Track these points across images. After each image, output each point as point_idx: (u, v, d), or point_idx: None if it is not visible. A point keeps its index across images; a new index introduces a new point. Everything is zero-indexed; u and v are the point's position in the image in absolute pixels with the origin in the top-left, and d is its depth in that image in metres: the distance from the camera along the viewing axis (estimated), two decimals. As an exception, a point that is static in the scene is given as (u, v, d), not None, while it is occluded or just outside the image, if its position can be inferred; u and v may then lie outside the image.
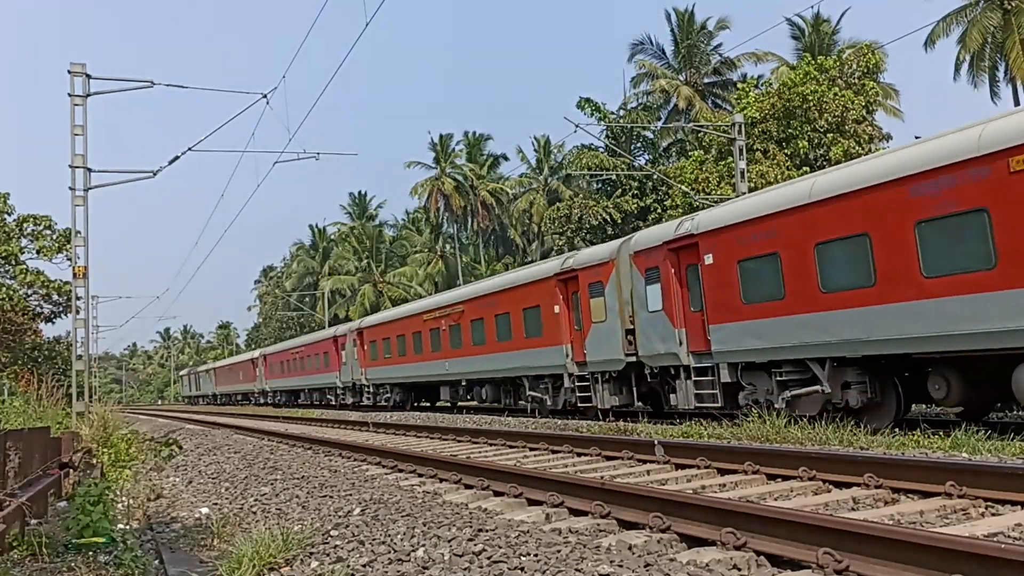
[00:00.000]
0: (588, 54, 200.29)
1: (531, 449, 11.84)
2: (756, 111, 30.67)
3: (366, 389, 32.98)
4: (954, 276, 9.99)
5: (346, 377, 35.17)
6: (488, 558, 4.82)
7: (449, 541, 5.30)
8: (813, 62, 31.60)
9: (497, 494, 7.60)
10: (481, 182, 60.32)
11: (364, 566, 4.87)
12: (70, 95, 17.59)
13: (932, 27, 37.62)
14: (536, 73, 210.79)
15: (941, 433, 10.02)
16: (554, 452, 11.15)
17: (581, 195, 41.55)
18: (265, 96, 19.29)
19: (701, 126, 32.48)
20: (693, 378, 14.53)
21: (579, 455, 10.51)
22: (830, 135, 29.74)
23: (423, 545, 5.24)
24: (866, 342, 11.20)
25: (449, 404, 29.56)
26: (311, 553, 5.33)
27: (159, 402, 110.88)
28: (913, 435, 10.23)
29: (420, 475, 9.55)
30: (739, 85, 36.71)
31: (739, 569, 4.53)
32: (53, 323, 38.87)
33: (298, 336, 58.32)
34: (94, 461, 11.24)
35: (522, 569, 4.54)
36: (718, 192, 28.93)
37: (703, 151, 34.06)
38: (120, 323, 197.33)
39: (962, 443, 9.04)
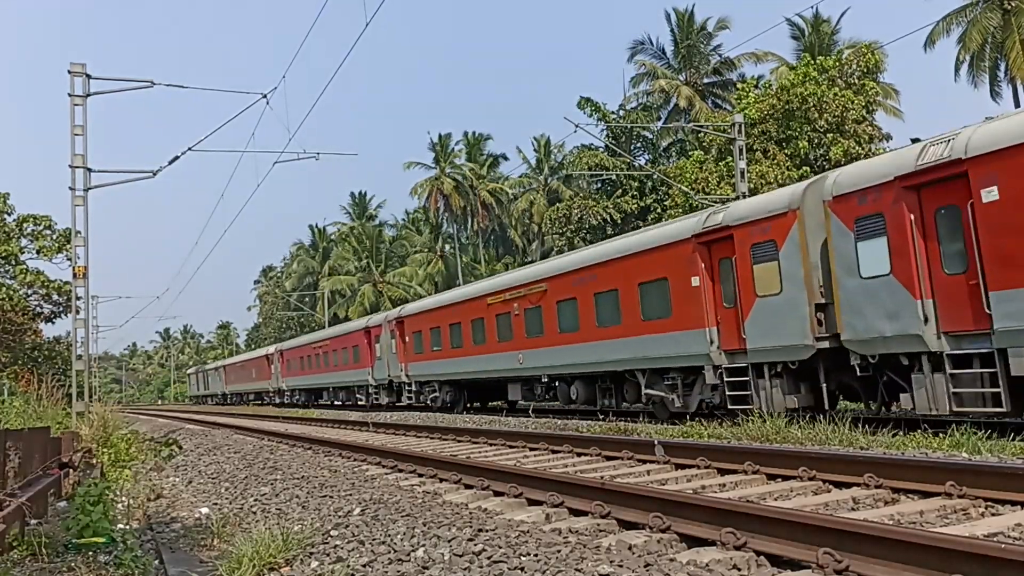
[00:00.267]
0: (588, 54, 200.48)
1: (531, 449, 11.84)
2: (756, 112, 30.68)
3: (406, 387, 28.92)
4: None
5: (381, 374, 31.19)
6: (488, 558, 4.82)
7: (449, 541, 5.30)
8: (813, 62, 31.60)
9: (497, 494, 7.60)
10: (481, 182, 60.32)
11: (364, 566, 4.87)
12: (70, 95, 17.58)
13: (932, 27, 37.65)
14: (536, 73, 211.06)
15: (941, 433, 10.02)
16: (554, 452, 11.15)
17: (581, 195, 41.57)
18: (265, 96, 19.29)
19: (701, 126, 32.48)
20: (949, 370, 10.41)
21: (579, 455, 10.51)
22: (830, 135, 29.74)
23: (423, 545, 5.24)
24: None
25: (515, 405, 25.16)
26: (311, 553, 5.33)
27: (159, 402, 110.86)
28: (913, 435, 10.23)
29: (420, 475, 9.55)
30: (739, 85, 36.73)
31: (739, 569, 4.53)
32: (53, 323, 38.97)
33: (299, 336, 57.32)
34: (94, 461, 11.24)
35: (522, 569, 4.54)
36: (718, 192, 28.93)
37: (703, 151, 34.06)
38: (120, 323, 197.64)
39: (962, 443, 9.04)
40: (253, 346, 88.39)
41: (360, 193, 77.87)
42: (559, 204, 42.92)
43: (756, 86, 34.84)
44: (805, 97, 29.52)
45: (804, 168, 29.12)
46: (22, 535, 5.73)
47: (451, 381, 25.63)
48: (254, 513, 7.36)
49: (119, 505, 7.77)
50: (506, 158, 64.17)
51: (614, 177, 39.01)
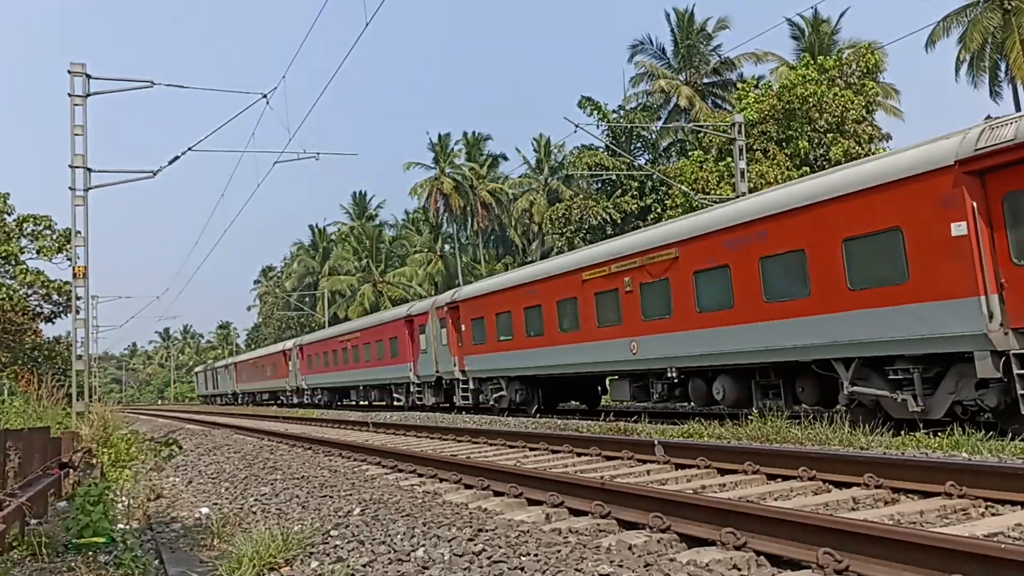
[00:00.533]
0: (588, 54, 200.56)
1: (531, 449, 11.84)
2: (756, 112, 30.70)
3: (460, 385, 24.44)
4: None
5: (426, 369, 26.87)
6: (488, 558, 4.82)
7: (449, 541, 5.30)
8: (813, 63, 31.63)
9: (497, 494, 7.60)
10: (481, 182, 60.35)
11: (364, 566, 4.87)
12: (70, 95, 17.59)
13: (932, 28, 37.69)
14: (536, 73, 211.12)
15: (941, 433, 10.02)
16: (554, 452, 11.15)
17: (581, 195, 41.59)
18: (265, 96, 19.31)
19: (701, 126, 32.49)
20: None
21: (579, 455, 10.51)
22: (830, 135, 29.76)
23: (423, 545, 5.24)
24: None
25: (596, 406, 21.75)
26: (311, 553, 5.33)
27: (159, 402, 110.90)
28: (913, 435, 10.23)
29: (420, 475, 9.55)
30: (739, 85, 36.76)
31: (739, 569, 4.53)
32: (53, 323, 38.95)
33: (299, 336, 56.43)
34: (94, 461, 11.24)
35: (522, 569, 4.54)
36: (718, 192, 28.94)
37: (703, 151, 34.08)
38: (120, 323, 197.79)
39: (962, 443, 9.04)
40: (253, 346, 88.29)
41: (360, 193, 78.03)
42: (559, 204, 42.95)
43: (756, 86, 34.87)
44: (805, 97, 29.54)
45: (804, 168, 29.13)
46: (22, 535, 5.73)
47: (523, 377, 21.18)
48: (254, 513, 7.36)
49: (119, 505, 7.77)
50: (506, 158, 64.34)
51: (614, 177, 39.03)
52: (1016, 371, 9.55)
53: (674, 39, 44.39)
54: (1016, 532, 5.07)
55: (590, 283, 17.76)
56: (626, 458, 9.68)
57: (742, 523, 4.93)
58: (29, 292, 36.77)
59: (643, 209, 38.11)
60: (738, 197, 17.58)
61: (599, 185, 42.15)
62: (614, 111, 41.36)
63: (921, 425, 11.01)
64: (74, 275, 17.63)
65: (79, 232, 17.44)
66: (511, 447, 12.46)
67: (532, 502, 7.03)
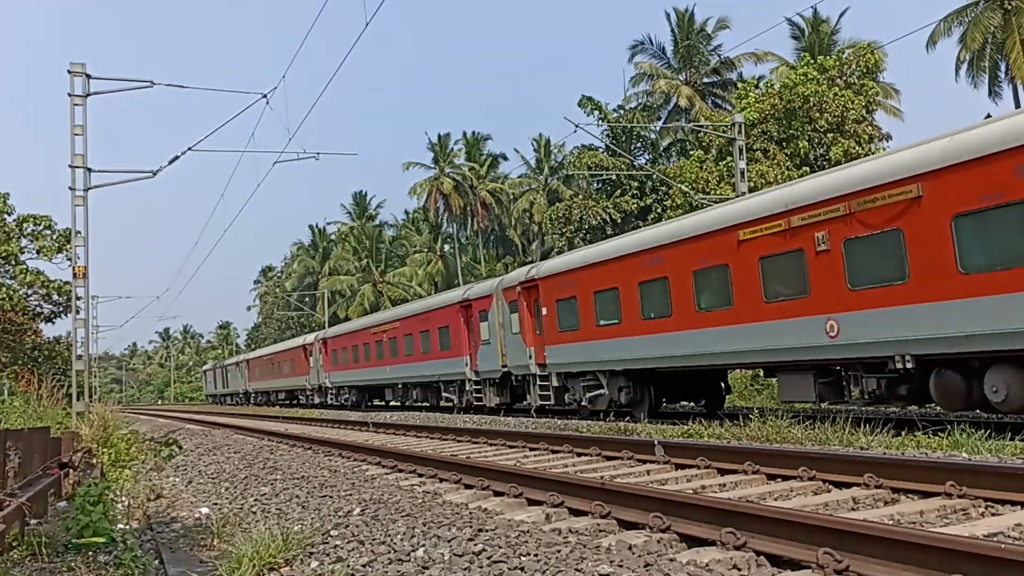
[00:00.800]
0: (588, 54, 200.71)
1: (531, 449, 11.84)
2: (756, 112, 30.71)
3: (537, 381, 19.75)
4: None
5: (488, 364, 22.38)
6: (488, 558, 4.82)
7: (449, 541, 5.30)
8: (813, 62, 31.63)
9: (497, 494, 7.60)
10: (481, 182, 60.37)
11: (364, 566, 4.87)
12: (70, 95, 17.60)
13: (933, 27, 37.69)
14: (536, 73, 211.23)
15: (941, 433, 10.02)
16: (554, 452, 11.15)
17: (581, 195, 41.60)
18: (265, 96, 19.31)
19: (701, 126, 32.50)
20: None
21: (579, 455, 10.51)
22: (830, 135, 29.77)
23: (423, 545, 5.24)
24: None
25: (718, 408, 17.17)
26: (311, 553, 5.33)
27: (159, 402, 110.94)
28: (913, 435, 10.23)
29: (420, 475, 9.55)
30: (739, 85, 36.77)
31: (739, 569, 4.53)
32: (53, 323, 38.98)
33: (299, 335, 54.11)
34: (94, 461, 11.24)
35: (522, 569, 4.54)
36: (718, 192, 28.95)
37: (703, 151, 34.09)
38: (120, 323, 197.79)
39: (962, 443, 9.04)
40: (253, 346, 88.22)
41: (360, 193, 78.06)
42: (559, 204, 42.96)
43: (756, 86, 34.87)
44: (807, 96, 29.55)
45: (804, 168, 29.14)
46: (22, 535, 5.73)
47: (633, 372, 16.60)
48: (254, 513, 7.36)
49: (119, 505, 7.77)
50: (505, 158, 64.36)
51: (614, 177, 39.04)
52: None
53: (674, 39, 44.42)
54: (1016, 532, 5.06)
55: (752, 243, 13.43)
56: (626, 458, 9.68)
57: (742, 523, 4.92)
58: (29, 292, 36.79)
59: (643, 209, 38.13)
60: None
61: (599, 185, 42.16)
62: (614, 111, 41.37)
63: (921, 425, 11.01)
64: (74, 275, 17.64)
65: (79, 232, 17.45)
66: (511, 447, 12.46)
67: (532, 502, 7.03)
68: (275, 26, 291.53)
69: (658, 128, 42.86)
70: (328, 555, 5.24)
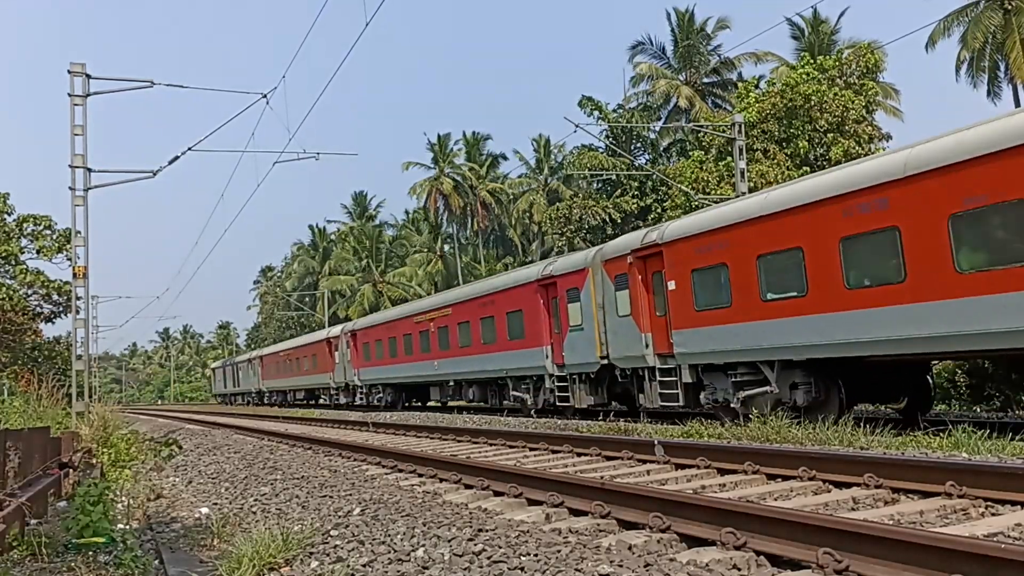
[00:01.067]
0: (588, 54, 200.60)
1: (531, 449, 11.84)
2: (756, 112, 30.71)
3: (656, 375, 15.82)
4: None
5: (579, 355, 18.47)
6: (488, 558, 4.82)
7: (449, 541, 5.30)
8: (812, 62, 31.63)
9: (497, 494, 7.60)
10: (481, 182, 60.37)
11: (364, 566, 4.87)
12: (70, 95, 17.59)
13: (933, 27, 37.67)
14: (536, 73, 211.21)
15: (941, 433, 10.02)
16: (554, 452, 11.15)
17: (581, 195, 41.60)
18: (265, 96, 19.30)
19: (701, 126, 32.49)
20: None
21: (579, 455, 10.51)
22: (830, 135, 29.76)
23: (423, 545, 5.24)
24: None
25: (923, 412, 13.42)
26: (311, 553, 5.33)
27: (159, 402, 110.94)
28: (913, 435, 10.24)
29: (420, 475, 9.55)
30: (740, 85, 36.77)
31: (739, 569, 4.53)
32: (53, 323, 38.97)
33: (299, 336, 53.18)
34: (94, 461, 11.24)
35: (522, 569, 4.54)
36: (718, 192, 28.95)
37: (703, 151, 34.09)
38: (120, 323, 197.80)
39: (962, 443, 9.04)
40: (253, 346, 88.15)
41: (360, 193, 78.07)
42: (559, 204, 42.95)
43: (756, 86, 34.87)
44: (808, 95, 29.55)
45: (804, 168, 29.14)
46: (22, 535, 5.73)
47: (815, 362, 12.41)
48: (254, 513, 7.36)
49: (119, 505, 7.77)
50: (505, 158, 64.30)
51: (614, 177, 39.04)
52: None
53: (674, 39, 44.39)
54: (1016, 532, 5.07)
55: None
56: (626, 458, 9.68)
57: (742, 523, 4.93)
58: (29, 292, 36.79)
59: (643, 209, 38.13)
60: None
61: (599, 185, 42.16)
62: (614, 111, 41.37)
63: (922, 425, 11.00)
64: (74, 275, 17.63)
65: (79, 232, 17.44)
66: (511, 447, 12.46)
67: (532, 502, 7.03)
68: (275, 26, 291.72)
69: (658, 128, 42.86)
70: (328, 555, 5.24)
